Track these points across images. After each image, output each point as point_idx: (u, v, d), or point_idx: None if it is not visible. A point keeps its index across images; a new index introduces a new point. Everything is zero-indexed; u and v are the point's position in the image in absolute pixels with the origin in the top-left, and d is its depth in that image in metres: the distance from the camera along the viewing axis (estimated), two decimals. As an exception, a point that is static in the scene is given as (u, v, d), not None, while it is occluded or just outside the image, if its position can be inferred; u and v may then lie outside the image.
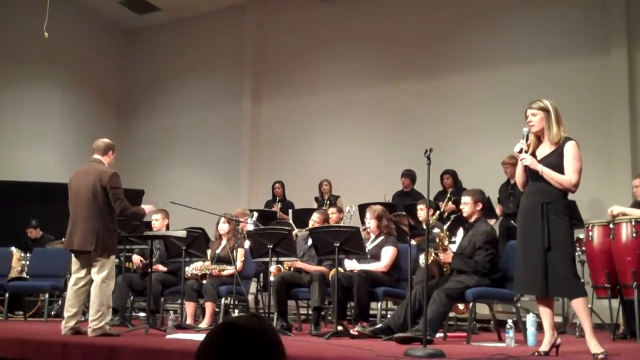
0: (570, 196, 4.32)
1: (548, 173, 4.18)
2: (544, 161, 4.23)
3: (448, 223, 5.86)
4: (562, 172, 4.18)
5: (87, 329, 5.27)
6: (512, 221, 7.56)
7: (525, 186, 4.37)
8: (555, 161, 4.20)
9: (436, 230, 5.63)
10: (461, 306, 5.57)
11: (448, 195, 8.00)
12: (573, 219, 4.52)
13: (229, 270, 6.68)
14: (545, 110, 4.28)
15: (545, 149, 4.30)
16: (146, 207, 5.97)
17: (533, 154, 4.29)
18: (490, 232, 5.47)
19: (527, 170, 4.29)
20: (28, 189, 10.42)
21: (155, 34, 13.22)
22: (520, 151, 4.29)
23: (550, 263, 4.07)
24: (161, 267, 7.11)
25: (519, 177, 4.41)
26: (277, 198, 9.69)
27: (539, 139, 4.35)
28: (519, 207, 4.40)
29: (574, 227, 4.40)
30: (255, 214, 7.38)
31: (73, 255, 5.52)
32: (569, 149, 4.19)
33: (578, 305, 4.14)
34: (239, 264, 6.62)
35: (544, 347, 4.19)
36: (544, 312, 4.26)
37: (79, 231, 5.39)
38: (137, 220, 6.67)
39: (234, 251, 6.67)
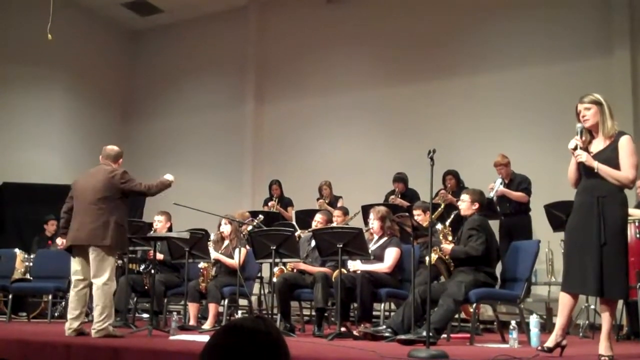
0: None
1: (604, 169, 4.08)
2: (599, 156, 4.13)
3: (450, 219, 5.88)
4: (617, 167, 4.07)
5: (90, 330, 5.28)
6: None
7: (577, 183, 4.27)
8: (610, 156, 4.10)
9: (439, 226, 5.66)
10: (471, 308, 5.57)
11: (451, 191, 8.08)
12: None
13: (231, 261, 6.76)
14: (598, 103, 4.17)
15: (599, 144, 4.19)
16: (168, 177, 5.90)
17: (586, 150, 4.19)
18: (478, 219, 5.48)
19: (581, 166, 4.18)
20: (31, 190, 10.44)
21: (158, 35, 13.23)
22: (575, 148, 4.18)
23: (605, 260, 3.97)
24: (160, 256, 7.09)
25: (571, 174, 4.29)
26: (274, 195, 9.71)
27: (590, 134, 4.25)
28: (574, 204, 4.26)
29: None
30: (261, 217, 7.38)
31: (73, 256, 5.52)
32: (624, 144, 4.09)
33: (613, 306, 4.11)
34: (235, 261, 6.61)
35: (550, 342, 4.18)
36: (567, 306, 4.17)
37: (88, 226, 5.37)
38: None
39: (238, 251, 6.67)
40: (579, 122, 4.25)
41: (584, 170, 4.19)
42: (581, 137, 4.22)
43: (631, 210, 5.88)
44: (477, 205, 5.61)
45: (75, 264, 5.51)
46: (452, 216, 5.92)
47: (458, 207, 5.84)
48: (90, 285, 5.43)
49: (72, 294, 5.49)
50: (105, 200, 5.42)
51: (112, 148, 5.80)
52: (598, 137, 4.22)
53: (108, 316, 5.30)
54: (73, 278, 5.51)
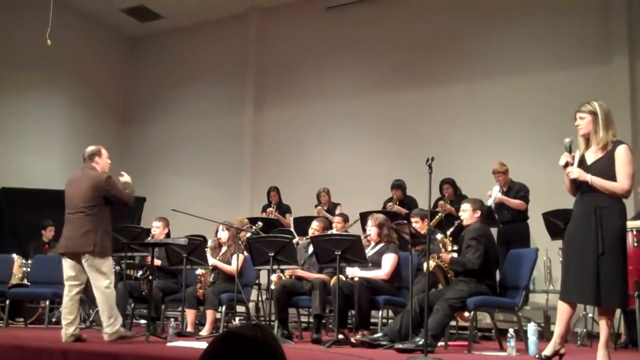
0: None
1: (598, 182, 4.08)
2: (594, 166, 4.14)
3: (452, 229, 5.87)
4: (612, 176, 4.08)
5: (102, 336, 5.31)
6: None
7: (575, 192, 4.28)
8: (604, 165, 4.11)
9: (439, 235, 5.65)
10: (467, 314, 5.56)
11: (449, 200, 8.10)
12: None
13: (229, 268, 6.75)
14: (593, 113, 4.19)
15: (593, 154, 4.21)
16: (125, 179, 5.80)
17: (582, 158, 4.21)
18: (479, 229, 5.46)
19: (576, 180, 4.19)
20: (30, 195, 10.42)
21: (158, 42, 13.24)
22: (566, 165, 4.20)
23: (603, 269, 3.97)
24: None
25: (568, 187, 4.30)
26: (273, 202, 9.70)
27: (588, 142, 4.25)
28: (572, 213, 4.28)
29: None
30: (260, 224, 7.38)
31: (65, 263, 5.52)
32: (620, 154, 4.10)
33: (611, 314, 4.12)
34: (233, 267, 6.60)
35: (548, 351, 4.18)
36: (565, 314, 4.17)
37: (75, 234, 5.41)
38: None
39: (236, 257, 6.66)
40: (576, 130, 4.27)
41: (579, 184, 4.19)
42: (570, 152, 4.23)
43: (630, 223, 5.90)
44: (479, 213, 5.60)
45: (69, 270, 5.51)
46: (454, 225, 5.90)
47: (458, 217, 5.82)
48: (84, 289, 5.44)
49: (66, 299, 5.47)
50: (90, 207, 5.43)
51: (88, 150, 5.77)
52: (592, 146, 4.23)
53: (116, 318, 5.35)
54: (67, 283, 5.51)
